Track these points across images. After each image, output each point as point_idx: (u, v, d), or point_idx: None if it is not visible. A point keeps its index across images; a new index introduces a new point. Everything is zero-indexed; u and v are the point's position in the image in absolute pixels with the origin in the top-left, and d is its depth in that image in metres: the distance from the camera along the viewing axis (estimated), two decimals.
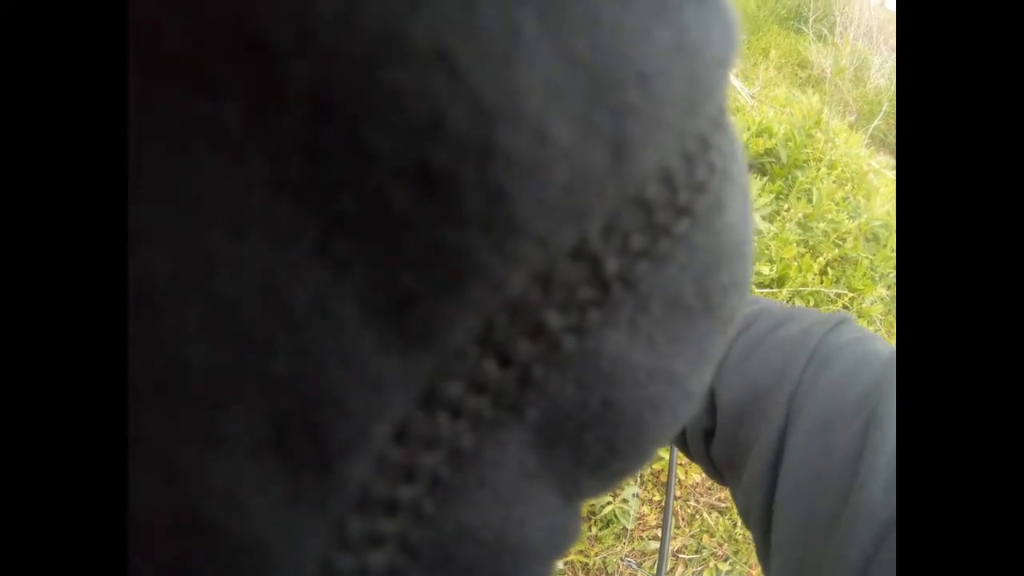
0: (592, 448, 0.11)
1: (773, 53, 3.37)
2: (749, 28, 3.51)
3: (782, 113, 2.02)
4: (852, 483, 0.24)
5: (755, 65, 3.07)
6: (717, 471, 0.34)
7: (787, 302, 1.49)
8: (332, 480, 0.09)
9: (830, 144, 1.92)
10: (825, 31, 3.92)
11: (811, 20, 3.93)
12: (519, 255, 0.08)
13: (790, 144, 1.77)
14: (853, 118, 3.12)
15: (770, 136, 1.78)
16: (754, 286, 1.48)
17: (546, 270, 0.09)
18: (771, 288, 1.50)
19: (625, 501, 1.23)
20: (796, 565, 0.25)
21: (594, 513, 1.24)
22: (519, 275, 0.08)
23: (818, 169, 1.80)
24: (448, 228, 0.08)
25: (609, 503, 1.23)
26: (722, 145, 0.10)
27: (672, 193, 0.09)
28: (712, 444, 0.33)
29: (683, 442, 0.35)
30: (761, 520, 0.28)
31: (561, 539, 0.12)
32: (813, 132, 1.86)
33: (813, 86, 3.32)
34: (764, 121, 1.83)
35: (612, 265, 0.09)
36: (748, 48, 3.32)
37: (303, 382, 0.08)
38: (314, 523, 0.09)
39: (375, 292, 0.08)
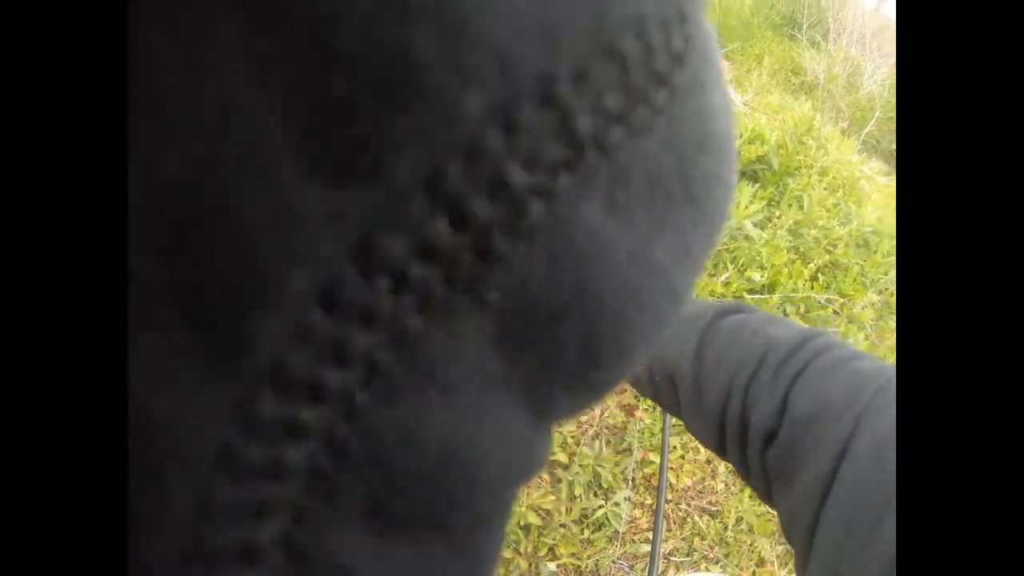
0: (567, 347, 0.09)
1: (767, 59, 3.40)
2: (743, 34, 3.53)
3: (775, 120, 2.04)
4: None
5: (749, 71, 3.09)
6: (766, 477, 0.36)
7: (778, 308, 1.51)
8: (236, 338, 0.07)
9: (822, 151, 1.94)
10: (819, 37, 3.95)
11: (805, 26, 3.96)
12: (474, 72, 0.07)
13: (782, 151, 1.79)
14: (846, 124, 3.15)
15: (762, 143, 1.80)
16: (744, 292, 1.49)
17: (507, 107, 0.08)
18: (762, 294, 1.51)
19: (617, 504, 1.25)
20: (834, 564, 0.28)
21: (586, 516, 1.25)
22: (474, 100, 0.07)
23: (809, 176, 1.82)
24: (389, 24, 0.07)
25: (601, 507, 1.24)
26: (699, 22, 0.10)
27: (648, 53, 0.09)
28: (772, 446, 0.35)
29: (742, 449, 0.38)
30: (808, 523, 0.30)
31: (525, 465, 0.10)
32: (805, 139, 1.88)
33: (806, 92, 3.35)
34: (756, 128, 1.85)
35: (584, 122, 0.08)
36: (742, 54, 3.35)
37: (201, 190, 0.07)
38: (216, 395, 0.07)
39: (300, 102, 0.07)
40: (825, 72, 3.52)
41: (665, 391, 0.44)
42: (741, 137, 1.79)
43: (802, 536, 0.31)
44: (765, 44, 3.61)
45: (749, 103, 2.25)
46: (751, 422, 0.36)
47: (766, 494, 0.37)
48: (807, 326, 0.40)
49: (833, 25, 4.06)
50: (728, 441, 0.38)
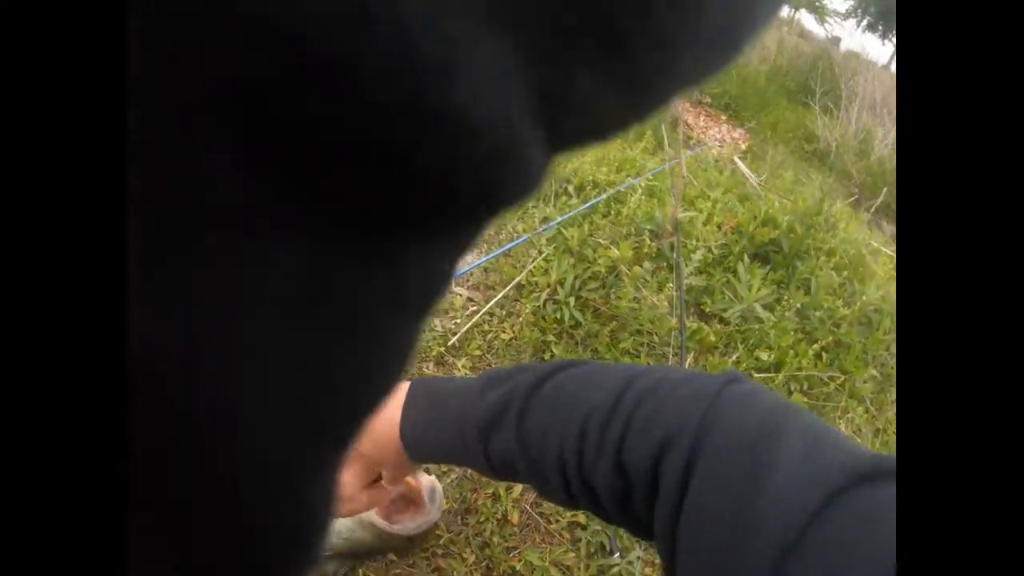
0: None
1: (781, 127, 3.54)
2: (758, 103, 3.68)
3: (787, 199, 2.18)
4: (745, 512, 0.27)
5: (764, 142, 3.24)
6: (644, 527, 0.34)
7: (783, 387, 1.64)
8: None
9: (830, 232, 2.08)
10: (831, 104, 4.11)
11: (818, 93, 4.13)
12: None
13: (792, 235, 1.93)
14: (857, 192, 3.28)
15: (774, 227, 1.94)
16: (752, 371, 1.63)
17: None
18: (768, 372, 1.65)
19: (631, 563, 1.37)
20: None
21: (603, 572, 1.38)
22: None
23: (817, 258, 1.95)
24: None
25: (616, 566, 1.37)
26: None
27: None
28: (632, 502, 0.34)
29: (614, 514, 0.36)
30: (668, 555, 0.30)
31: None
32: (814, 222, 2.02)
33: (819, 159, 3.50)
34: (770, 211, 1.99)
35: None
36: (758, 123, 3.50)
37: None
38: None
39: None
40: (837, 140, 3.66)
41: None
42: (755, 219, 1.94)
43: (665, 562, 0.31)
44: (780, 112, 3.76)
45: (763, 184, 2.39)
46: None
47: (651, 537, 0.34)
48: (629, 367, 0.39)
49: (845, 92, 4.22)
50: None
